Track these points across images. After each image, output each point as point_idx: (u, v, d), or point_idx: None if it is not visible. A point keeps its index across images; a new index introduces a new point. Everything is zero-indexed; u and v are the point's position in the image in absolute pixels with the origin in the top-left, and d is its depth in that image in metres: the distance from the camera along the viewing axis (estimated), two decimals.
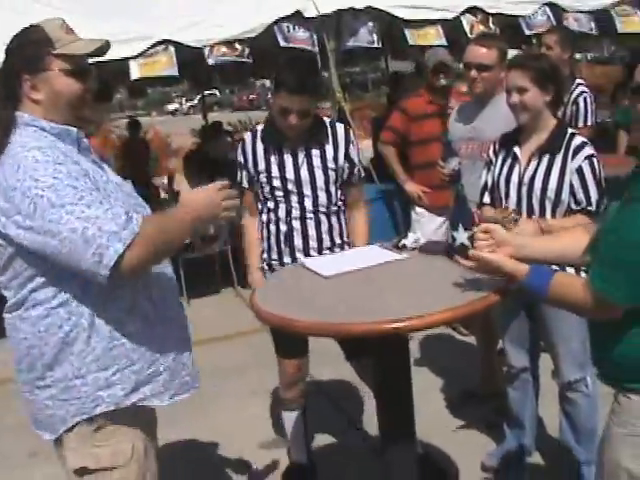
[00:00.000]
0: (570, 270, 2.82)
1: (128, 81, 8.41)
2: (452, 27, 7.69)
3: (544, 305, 3.20)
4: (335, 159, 3.44)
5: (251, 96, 43.48)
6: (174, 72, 6.99)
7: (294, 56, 6.16)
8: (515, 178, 3.29)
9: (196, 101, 38.26)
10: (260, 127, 3.56)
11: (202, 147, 10.26)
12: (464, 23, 7.69)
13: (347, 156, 3.47)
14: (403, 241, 3.00)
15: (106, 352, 2.17)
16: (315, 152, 3.42)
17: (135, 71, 6.87)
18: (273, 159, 3.44)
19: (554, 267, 2.43)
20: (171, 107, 51.82)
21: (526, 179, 3.24)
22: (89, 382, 2.17)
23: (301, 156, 3.42)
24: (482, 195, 3.51)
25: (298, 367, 3.70)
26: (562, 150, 3.18)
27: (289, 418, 3.81)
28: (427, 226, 5.34)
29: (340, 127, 3.53)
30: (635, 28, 8.67)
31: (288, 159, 3.43)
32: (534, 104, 3.18)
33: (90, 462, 2.20)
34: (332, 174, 3.44)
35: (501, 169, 3.37)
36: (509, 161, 3.35)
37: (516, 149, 3.32)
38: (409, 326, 2.15)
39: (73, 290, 2.13)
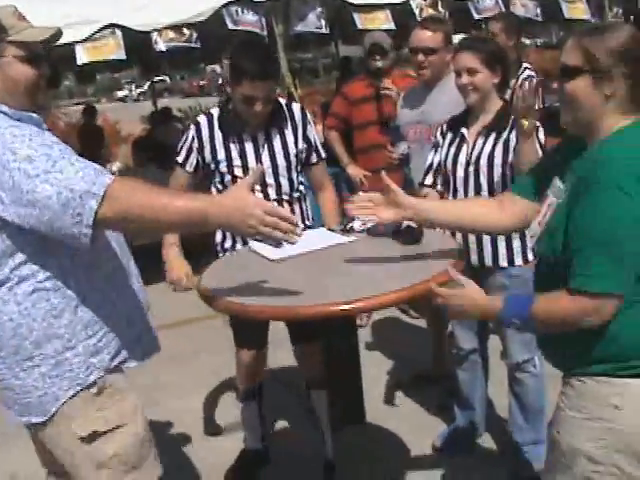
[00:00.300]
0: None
1: (76, 67, 8.29)
2: (402, 11, 7.70)
3: (491, 286, 3.22)
4: (295, 143, 3.39)
5: (201, 82, 43.15)
6: (122, 56, 6.87)
7: (248, 41, 6.07)
8: (463, 158, 3.32)
9: (146, 87, 37.89)
10: (215, 112, 3.44)
11: (151, 134, 10.17)
12: (413, 7, 7.69)
13: (305, 137, 3.42)
14: (351, 224, 2.99)
15: (92, 319, 2.22)
16: (276, 138, 3.35)
17: (82, 56, 6.74)
18: (233, 147, 3.35)
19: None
20: (121, 94, 51.29)
21: (473, 158, 3.28)
22: (80, 351, 2.20)
23: (262, 143, 3.34)
24: (425, 175, 3.53)
25: (256, 358, 3.65)
26: (508, 129, 3.22)
27: (245, 408, 3.78)
28: None
29: (296, 108, 3.47)
30: (580, 14, 8.79)
31: (249, 147, 3.35)
32: (484, 85, 3.22)
33: (99, 425, 2.23)
34: (293, 159, 3.39)
35: (448, 150, 3.40)
36: (457, 142, 3.37)
37: (464, 130, 3.36)
38: (357, 308, 2.15)
39: (59, 261, 2.15)
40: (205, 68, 34.50)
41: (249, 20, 7.06)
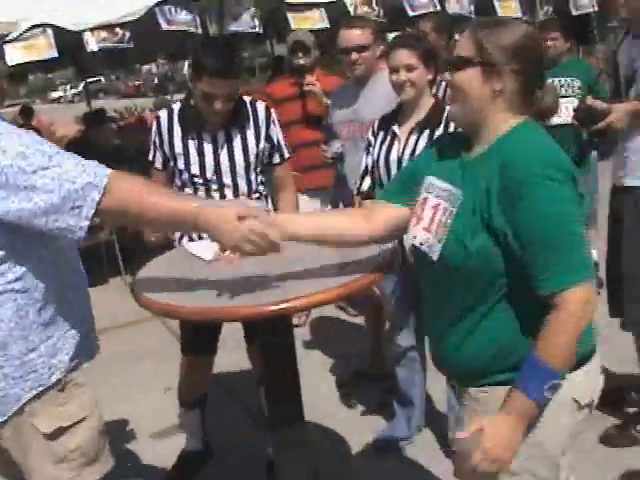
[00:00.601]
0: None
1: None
2: (336, 9, 7.70)
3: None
4: (257, 142, 3.33)
5: (137, 82, 42.68)
6: (54, 54, 6.73)
7: (212, 38, 5.98)
8: (394, 155, 3.34)
9: (80, 88, 37.32)
10: (176, 107, 3.39)
11: (86, 135, 10.00)
12: (347, 4, 7.71)
13: (268, 137, 3.37)
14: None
15: (53, 319, 2.20)
16: (236, 137, 3.29)
17: (12, 56, 6.58)
18: (191, 144, 3.29)
19: None
20: (55, 95, 50.45)
21: (406, 155, 3.30)
22: (42, 352, 2.17)
23: (221, 142, 3.29)
24: (362, 180, 3.54)
25: (202, 366, 3.63)
26: (442, 125, 3.25)
27: (187, 415, 3.74)
28: (304, 209, 5.34)
29: (261, 107, 3.40)
30: (512, 12, 8.92)
31: (208, 145, 3.29)
32: (420, 81, 3.26)
33: (64, 420, 2.22)
34: (253, 160, 3.34)
35: (380, 148, 3.41)
36: (388, 140, 3.39)
37: (395, 128, 3.38)
38: (289, 308, 2.13)
39: (29, 262, 2.12)
40: (140, 68, 34.15)
41: (183, 20, 6.99)
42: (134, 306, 2.43)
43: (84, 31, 6.78)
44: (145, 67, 33.89)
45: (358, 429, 4.03)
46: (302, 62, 5.26)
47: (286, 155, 3.51)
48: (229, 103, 3.16)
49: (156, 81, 40.00)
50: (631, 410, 3.72)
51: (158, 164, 3.41)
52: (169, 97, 22.09)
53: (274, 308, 2.10)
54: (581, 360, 1.97)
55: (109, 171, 2.03)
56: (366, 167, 3.53)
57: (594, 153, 5.68)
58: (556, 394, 1.88)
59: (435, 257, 2.00)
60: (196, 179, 3.31)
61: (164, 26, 6.87)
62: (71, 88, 47.44)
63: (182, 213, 2.13)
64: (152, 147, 3.40)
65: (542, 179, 1.82)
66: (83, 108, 16.23)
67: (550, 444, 1.99)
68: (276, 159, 3.46)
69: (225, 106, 3.14)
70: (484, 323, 1.98)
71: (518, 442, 1.87)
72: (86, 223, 2.00)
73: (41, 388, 2.18)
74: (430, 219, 2.04)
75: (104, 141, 8.67)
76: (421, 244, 2.06)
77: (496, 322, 1.96)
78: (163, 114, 3.38)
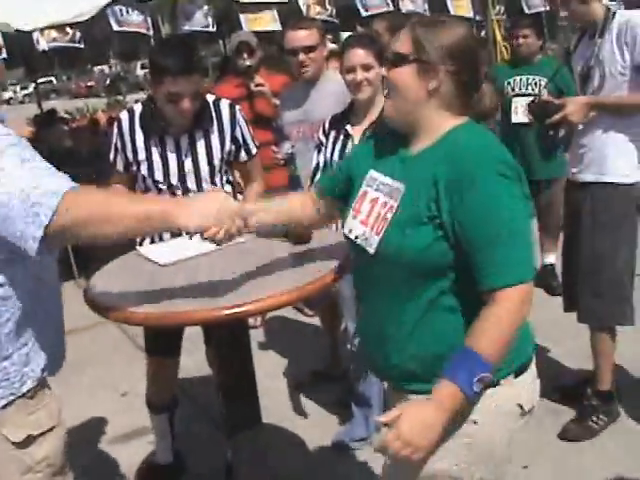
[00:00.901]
0: None
1: None
2: (288, 10, 7.69)
3: None
4: (221, 146, 3.26)
5: (89, 83, 42.27)
6: (2, 55, 6.59)
7: (167, 39, 5.87)
8: None
9: (31, 89, 36.85)
10: (138, 108, 3.29)
11: (37, 136, 9.87)
12: (300, 4, 7.70)
13: (233, 138, 3.30)
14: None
15: (28, 328, 2.15)
16: (200, 141, 3.21)
17: None
18: (155, 150, 3.21)
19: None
20: (6, 95, 49.62)
21: None
22: (15, 361, 2.12)
23: (185, 148, 3.21)
24: (313, 177, 3.53)
25: (168, 366, 3.57)
26: None
27: (155, 419, 3.68)
28: None
29: (224, 106, 3.31)
30: (465, 12, 8.99)
31: (171, 150, 3.21)
32: (376, 81, 3.25)
33: (33, 429, 2.17)
34: (218, 164, 3.26)
35: (333, 147, 3.41)
36: (341, 139, 3.39)
37: (348, 127, 3.38)
38: (244, 312, 2.11)
39: (12, 271, 2.06)
40: (92, 69, 33.82)
41: (134, 20, 6.94)
42: (87, 310, 2.40)
43: (34, 31, 6.68)
44: (97, 68, 33.54)
45: (317, 430, 4.02)
46: (248, 63, 5.24)
47: (253, 151, 3.45)
48: (196, 101, 3.09)
49: (108, 82, 39.68)
50: (587, 403, 3.78)
51: (120, 167, 3.32)
52: (122, 98, 21.89)
53: (230, 312, 2.08)
54: (523, 366, 2.00)
55: (70, 185, 1.95)
56: (317, 164, 3.52)
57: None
58: (502, 401, 1.90)
59: (372, 250, 1.97)
60: (160, 185, 3.24)
61: (115, 27, 6.82)
62: (21, 89, 46.84)
63: (155, 210, 2.04)
64: (113, 149, 3.31)
65: (493, 174, 1.81)
66: (34, 109, 16.06)
67: (496, 450, 1.99)
68: (243, 157, 3.41)
69: (192, 105, 3.07)
70: (427, 321, 1.94)
71: (436, 432, 1.79)
72: (40, 233, 1.88)
73: (12, 397, 2.14)
74: (368, 212, 2.02)
75: (56, 142, 8.55)
76: (357, 237, 2.04)
77: (440, 321, 1.93)
78: (124, 116, 3.30)
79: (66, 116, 13.87)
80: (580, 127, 3.65)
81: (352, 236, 2.06)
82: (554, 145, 5.58)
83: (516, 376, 1.96)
